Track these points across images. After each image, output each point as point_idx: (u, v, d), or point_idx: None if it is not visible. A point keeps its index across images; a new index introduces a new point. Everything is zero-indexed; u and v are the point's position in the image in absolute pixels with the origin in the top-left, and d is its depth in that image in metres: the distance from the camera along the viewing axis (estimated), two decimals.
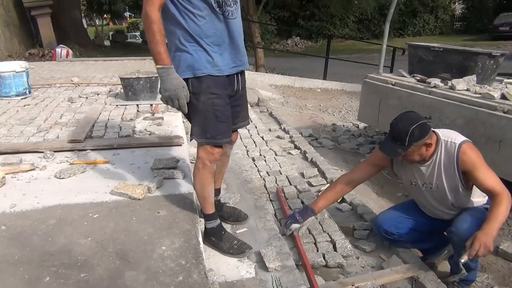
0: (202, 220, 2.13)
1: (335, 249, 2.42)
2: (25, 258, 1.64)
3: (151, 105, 4.10)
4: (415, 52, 4.46)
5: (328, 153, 4.63)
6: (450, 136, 2.18)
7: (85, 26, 19.02)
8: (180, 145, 2.97)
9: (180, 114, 3.67)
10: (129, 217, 1.96)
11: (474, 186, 2.20)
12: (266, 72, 10.14)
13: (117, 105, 4.10)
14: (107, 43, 20.62)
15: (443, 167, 2.18)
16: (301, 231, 2.43)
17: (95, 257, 1.65)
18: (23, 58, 8.53)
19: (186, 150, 2.97)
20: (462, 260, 1.99)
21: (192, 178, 2.32)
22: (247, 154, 3.95)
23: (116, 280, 1.53)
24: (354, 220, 2.87)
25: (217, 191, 2.31)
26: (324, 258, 2.30)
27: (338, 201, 3.14)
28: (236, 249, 2.09)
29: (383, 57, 5.07)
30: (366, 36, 22.88)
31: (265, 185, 3.28)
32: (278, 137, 4.68)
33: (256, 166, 3.67)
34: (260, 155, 3.94)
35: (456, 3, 25.18)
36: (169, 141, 2.99)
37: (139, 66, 6.41)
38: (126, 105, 4.11)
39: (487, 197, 2.23)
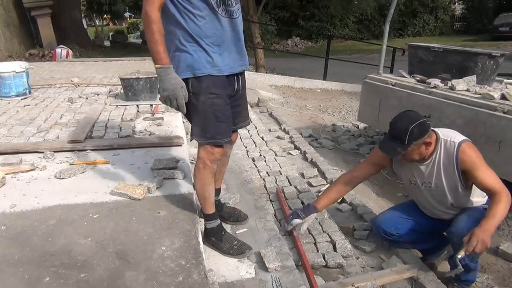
0: (202, 220, 2.13)
1: (335, 249, 2.42)
2: (25, 258, 1.64)
3: (151, 105, 4.10)
4: (415, 53, 4.46)
5: (328, 154, 4.63)
6: (450, 135, 2.18)
7: (85, 26, 19.02)
8: (180, 145, 2.97)
9: (180, 114, 3.67)
10: (129, 217, 1.96)
11: (473, 186, 2.20)
12: (266, 73, 10.14)
13: (117, 106, 4.11)
14: (107, 43, 20.63)
15: (442, 166, 2.18)
16: (303, 228, 2.40)
17: (95, 257, 1.65)
18: (23, 58, 8.54)
19: (186, 151, 2.97)
20: (459, 256, 2.00)
21: (192, 178, 2.33)
22: (247, 155, 3.95)
23: (116, 280, 1.53)
24: (354, 221, 2.87)
25: (217, 191, 2.32)
26: (324, 258, 2.30)
27: (338, 201, 3.15)
28: (236, 249, 2.09)
29: (383, 57, 5.07)
30: (366, 36, 22.88)
31: (265, 186, 3.28)
32: (278, 137, 4.68)
33: (256, 166, 3.67)
34: (260, 155, 3.94)
35: (456, 3, 25.18)
36: (169, 142, 2.99)
37: (139, 67, 6.41)
38: (126, 105, 4.11)
39: (486, 197, 2.23)
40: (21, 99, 4.37)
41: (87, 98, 4.50)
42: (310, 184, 3.44)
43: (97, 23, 27.01)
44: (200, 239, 1.85)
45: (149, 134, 3.24)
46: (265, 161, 3.79)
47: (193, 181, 2.34)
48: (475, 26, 22.75)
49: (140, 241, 1.78)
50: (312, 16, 22.71)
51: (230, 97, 1.94)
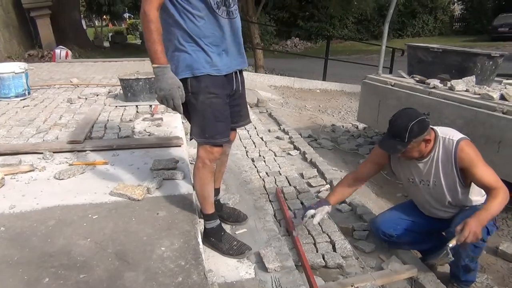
0: (202, 220, 2.13)
1: (334, 249, 2.42)
2: (24, 259, 1.64)
3: (151, 106, 4.10)
4: (414, 53, 4.46)
5: (328, 154, 4.63)
6: (448, 133, 2.19)
7: (85, 27, 18.99)
8: (180, 146, 2.97)
9: (179, 114, 3.67)
10: (128, 218, 1.95)
11: (472, 185, 2.20)
12: (266, 73, 10.14)
13: (116, 106, 4.10)
14: (106, 44, 20.63)
15: (441, 164, 2.18)
16: (316, 219, 2.34)
17: (94, 258, 1.65)
18: (23, 59, 8.54)
19: (186, 151, 2.97)
20: (450, 245, 2.01)
21: (192, 179, 2.32)
22: (247, 155, 3.95)
23: (115, 281, 1.53)
24: (354, 221, 2.87)
25: (217, 191, 2.32)
26: (323, 258, 2.30)
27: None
28: (236, 250, 2.09)
29: (382, 58, 5.08)
30: (365, 37, 22.88)
31: (264, 186, 3.28)
32: (277, 137, 4.68)
33: (255, 166, 3.67)
34: (260, 155, 3.94)
35: (455, 4, 25.20)
36: (168, 142, 2.99)
37: (139, 67, 6.40)
38: (125, 106, 4.11)
39: (485, 196, 2.23)
40: (20, 100, 4.37)
41: (86, 98, 4.49)
42: (309, 185, 3.44)
43: (97, 24, 26.97)
44: (200, 240, 1.85)
45: (149, 135, 3.23)
46: (264, 161, 3.79)
47: (192, 181, 2.34)
48: (474, 26, 22.77)
49: (139, 241, 1.78)
50: (311, 16, 22.71)
51: (229, 96, 1.95)
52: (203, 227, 2.12)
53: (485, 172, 2.08)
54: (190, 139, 1.97)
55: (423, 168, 2.25)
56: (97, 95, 4.63)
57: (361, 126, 5.82)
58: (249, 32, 10.40)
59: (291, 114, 6.64)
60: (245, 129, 4.65)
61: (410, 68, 4.53)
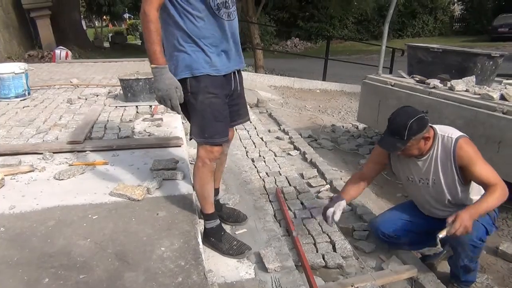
0: (202, 221, 2.13)
1: (334, 249, 2.42)
2: (24, 259, 1.64)
3: (151, 106, 4.10)
4: (414, 53, 4.46)
5: (328, 154, 4.62)
6: (447, 131, 2.19)
7: (85, 27, 19.01)
8: (180, 146, 2.97)
9: (179, 115, 3.67)
10: (128, 218, 1.95)
11: (472, 183, 2.19)
12: (266, 73, 10.14)
13: (116, 106, 4.10)
14: (106, 44, 20.64)
15: (440, 162, 2.18)
16: (336, 216, 2.29)
17: (94, 258, 1.65)
18: (22, 59, 8.55)
19: (186, 151, 2.97)
20: (440, 235, 2.02)
21: (192, 178, 2.32)
22: (247, 155, 3.95)
23: (115, 281, 1.53)
24: (354, 221, 2.87)
25: (216, 191, 2.32)
26: (323, 258, 2.30)
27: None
28: (236, 250, 2.09)
29: (382, 58, 5.08)
30: (365, 37, 22.88)
31: (264, 186, 3.28)
32: (277, 138, 4.68)
33: (255, 167, 3.67)
34: (260, 156, 3.94)
35: (455, 4, 25.20)
36: (168, 142, 2.99)
37: (138, 68, 6.40)
38: (125, 106, 4.11)
39: None
40: (20, 100, 4.37)
41: (86, 99, 4.49)
42: (309, 185, 3.44)
43: (97, 24, 26.99)
44: (200, 240, 1.85)
45: (149, 135, 3.23)
46: (264, 161, 3.79)
47: (192, 181, 2.34)
48: (474, 27, 22.77)
49: (139, 242, 1.77)
50: (311, 17, 22.72)
51: (228, 96, 1.96)
52: (203, 227, 2.12)
53: (484, 170, 2.08)
54: (190, 139, 1.97)
55: (422, 166, 2.25)
56: (97, 96, 4.63)
57: (361, 126, 5.82)
58: (249, 33, 10.41)
59: (291, 114, 6.64)
60: (245, 129, 4.65)
61: (410, 68, 4.53)
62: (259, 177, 3.46)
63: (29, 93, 4.55)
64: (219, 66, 1.85)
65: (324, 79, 9.58)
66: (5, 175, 2.36)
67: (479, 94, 3.42)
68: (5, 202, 2.10)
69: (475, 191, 2.23)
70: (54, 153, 2.78)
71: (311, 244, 2.48)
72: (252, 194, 2.87)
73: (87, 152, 2.83)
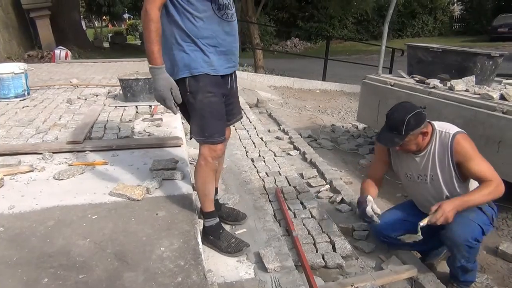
0: (201, 221, 2.13)
1: (334, 249, 2.41)
2: (23, 259, 1.64)
3: (150, 106, 4.10)
4: (414, 53, 4.46)
5: (327, 154, 4.62)
6: (445, 127, 2.19)
7: (84, 28, 18.99)
8: (179, 146, 2.97)
9: (179, 115, 3.67)
10: (128, 218, 1.95)
11: (471, 181, 2.18)
12: (265, 73, 10.13)
13: (116, 106, 4.10)
14: (106, 44, 20.63)
15: (437, 157, 2.18)
16: (375, 209, 2.28)
17: (93, 258, 1.65)
18: (22, 59, 8.54)
19: (185, 151, 2.96)
20: (421, 224, 2.04)
21: (192, 179, 2.32)
22: (246, 155, 3.95)
23: (114, 281, 1.52)
24: (354, 221, 2.87)
25: (215, 190, 2.31)
26: (323, 258, 2.30)
27: (338, 201, 3.15)
28: (234, 247, 2.09)
29: (382, 58, 5.07)
30: (365, 37, 22.89)
31: (264, 186, 3.27)
32: (277, 138, 4.68)
33: (255, 167, 3.67)
34: (259, 156, 3.94)
35: (455, 4, 25.21)
36: (168, 142, 2.98)
37: (138, 68, 6.40)
38: (125, 106, 4.11)
39: None
40: (20, 100, 4.37)
41: (86, 99, 4.49)
42: (309, 185, 3.44)
43: (96, 25, 26.97)
44: (199, 240, 1.85)
45: (148, 135, 3.23)
46: (264, 161, 3.79)
47: (192, 181, 2.34)
48: (474, 27, 22.78)
49: (139, 241, 1.77)
50: (311, 17, 22.73)
51: (225, 96, 1.97)
52: (202, 226, 2.12)
53: (480, 166, 2.07)
54: (190, 138, 1.98)
55: (420, 163, 2.25)
56: (97, 96, 4.63)
57: (361, 126, 5.82)
58: (248, 33, 10.40)
59: (290, 114, 6.64)
60: (245, 129, 4.65)
61: (410, 68, 4.53)
62: (258, 177, 3.46)
63: (28, 93, 4.55)
64: (217, 66, 1.86)
65: (324, 79, 9.58)
66: (4, 175, 2.36)
67: (479, 94, 3.41)
68: (4, 202, 2.09)
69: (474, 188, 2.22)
70: (53, 153, 2.78)
71: (311, 244, 2.47)
72: (251, 194, 2.87)
73: (86, 152, 2.83)
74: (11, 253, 1.68)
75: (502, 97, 3.28)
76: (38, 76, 6.07)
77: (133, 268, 1.60)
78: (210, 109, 1.86)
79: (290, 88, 9.05)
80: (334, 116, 6.82)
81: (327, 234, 2.55)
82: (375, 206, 2.29)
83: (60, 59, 8.47)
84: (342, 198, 3.16)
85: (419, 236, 2.08)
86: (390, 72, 8.24)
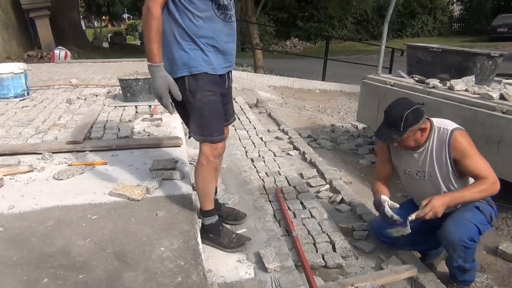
0: (201, 221, 2.12)
1: (334, 249, 2.41)
2: (23, 259, 1.63)
3: (150, 106, 4.10)
4: (413, 53, 4.46)
5: (327, 154, 4.63)
6: (444, 123, 2.19)
7: (84, 28, 18.98)
8: (179, 146, 2.97)
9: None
10: (127, 218, 1.95)
11: (469, 178, 2.18)
12: (265, 73, 10.13)
13: (115, 106, 4.10)
14: (105, 45, 20.62)
15: (435, 153, 2.18)
16: (392, 204, 2.22)
17: (93, 258, 1.64)
18: (22, 60, 8.52)
19: (185, 151, 2.96)
20: (410, 218, 2.05)
21: (192, 179, 2.32)
22: (246, 155, 3.95)
23: (114, 281, 1.52)
24: (353, 221, 2.87)
25: (215, 190, 2.31)
26: (323, 258, 2.30)
27: (338, 201, 3.15)
28: (236, 242, 2.10)
29: (382, 58, 5.08)
30: (364, 37, 22.91)
31: (264, 186, 3.27)
32: (277, 138, 4.68)
33: (255, 167, 3.67)
34: (259, 156, 3.93)
35: (455, 4, 25.22)
36: (167, 142, 2.98)
37: (138, 68, 6.40)
38: (124, 106, 4.10)
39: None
40: (20, 100, 4.37)
41: (85, 99, 4.49)
42: (309, 185, 3.44)
43: (96, 25, 26.96)
44: (199, 240, 1.85)
45: (148, 135, 3.23)
46: (264, 161, 3.79)
47: (192, 181, 2.34)
48: (473, 27, 22.80)
49: (138, 241, 1.77)
50: (310, 17, 22.73)
51: (222, 95, 1.98)
52: (201, 225, 2.11)
53: (477, 163, 2.07)
54: (189, 137, 1.98)
55: (418, 159, 2.24)
56: (96, 96, 4.62)
57: (360, 126, 5.82)
58: (248, 33, 10.41)
59: (290, 114, 6.64)
60: (245, 129, 4.64)
61: (409, 68, 4.53)
62: (258, 177, 3.45)
63: (28, 93, 4.55)
64: (216, 65, 1.86)
65: (323, 79, 9.58)
66: (4, 175, 2.35)
67: (479, 94, 3.42)
68: (4, 202, 2.09)
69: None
70: (53, 153, 2.77)
71: (311, 244, 2.47)
72: (251, 194, 2.87)
73: (86, 152, 2.83)
74: (11, 253, 1.67)
75: (502, 97, 3.29)
76: (37, 76, 6.06)
77: (133, 268, 1.60)
78: (209, 108, 1.86)
79: (289, 88, 9.06)
80: (334, 116, 6.82)
81: (327, 234, 2.55)
82: (391, 202, 2.23)
83: (59, 59, 8.46)
84: (342, 198, 3.16)
85: (407, 230, 2.09)
86: (390, 72, 8.24)
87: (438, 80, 3.89)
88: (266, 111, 6.07)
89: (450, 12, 24.80)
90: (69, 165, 2.60)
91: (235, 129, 4.55)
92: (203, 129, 1.88)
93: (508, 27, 18.55)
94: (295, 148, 4.38)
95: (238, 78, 8.03)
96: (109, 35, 24.91)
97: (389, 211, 2.19)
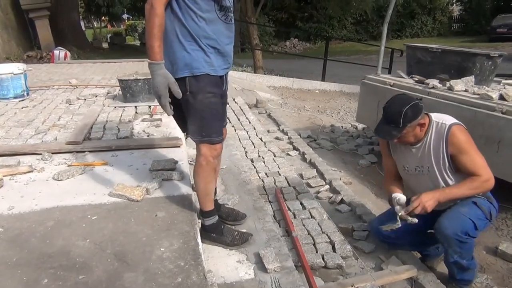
0: (201, 221, 2.12)
1: (334, 250, 2.41)
2: (23, 260, 1.63)
3: (150, 106, 4.09)
4: (413, 53, 4.47)
5: (327, 154, 4.63)
6: (442, 118, 2.19)
7: (83, 28, 18.99)
8: (179, 146, 2.96)
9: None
10: (127, 219, 1.95)
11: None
12: (265, 74, 10.13)
13: (115, 107, 4.10)
14: (105, 45, 20.63)
15: (432, 148, 2.17)
16: (402, 198, 2.20)
17: (93, 259, 1.64)
18: (21, 60, 8.51)
19: (185, 152, 2.96)
20: (399, 213, 2.08)
21: (191, 179, 2.32)
22: (246, 156, 3.95)
23: (114, 281, 1.52)
24: (353, 221, 2.87)
25: (214, 190, 2.31)
26: (323, 259, 2.30)
27: (338, 201, 3.15)
28: (239, 239, 2.12)
29: (381, 58, 5.08)
30: (364, 37, 22.92)
31: (263, 186, 3.27)
32: (276, 138, 4.68)
33: (255, 167, 3.67)
34: (259, 156, 3.93)
35: (454, 5, 25.24)
36: (167, 143, 2.98)
37: (137, 68, 6.40)
38: (124, 106, 4.10)
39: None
40: (19, 101, 4.36)
41: (85, 99, 4.49)
42: (309, 185, 3.44)
43: (95, 25, 26.96)
44: (199, 240, 1.85)
45: (148, 136, 3.23)
46: (263, 162, 3.79)
47: (192, 181, 2.34)
48: (473, 27, 22.83)
49: (138, 242, 1.77)
50: (310, 17, 22.75)
51: (221, 97, 1.99)
52: (201, 225, 2.11)
53: (473, 160, 2.07)
54: (186, 138, 1.98)
55: (416, 154, 2.24)
56: (96, 96, 4.62)
57: (360, 126, 5.82)
58: (248, 33, 10.41)
59: (290, 114, 6.64)
60: (244, 129, 4.64)
61: (409, 69, 4.54)
62: (258, 177, 3.45)
63: (27, 94, 4.54)
64: (216, 66, 1.86)
65: (323, 80, 9.58)
66: (4, 176, 2.35)
67: (478, 94, 3.42)
68: (4, 202, 2.09)
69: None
70: (53, 153, 2.77)
71: (311, 245, 2.47)
72: (251, 194, 2.87)
73: (86, 152, 2.83)
74: (11, 253, 1.67)
75: (501, 97, 3.29)
76: (37, 77, 6.06)
77: (133, 268, 1.60)
78: (210, 109, 1.86)
79: (289, 88, 9.06)
80: (334, 117, 6.82)
81: (326, 235, 2.55)
82: (398, 198, 2.20)
83: (59, 59, 8.45)
84: (342, 199, 3.16)
85: (397, 225, 2.12)
86: (389, 73, 8.25)
87: (438, 81, 3.89)
88: (266, 112, 6.08)
89: (450, 12, 24.82)
90: (69, 165, 2.60)
91: (235, 130, 4.55)
92: (202, 130, 1.88)
93: (508, 27, 18.58)
94: (294, 148, 4.39)
95: (238, 79, 8.03)
96: (109, 35, 24.92)
97: (398, 210, 2.17)
